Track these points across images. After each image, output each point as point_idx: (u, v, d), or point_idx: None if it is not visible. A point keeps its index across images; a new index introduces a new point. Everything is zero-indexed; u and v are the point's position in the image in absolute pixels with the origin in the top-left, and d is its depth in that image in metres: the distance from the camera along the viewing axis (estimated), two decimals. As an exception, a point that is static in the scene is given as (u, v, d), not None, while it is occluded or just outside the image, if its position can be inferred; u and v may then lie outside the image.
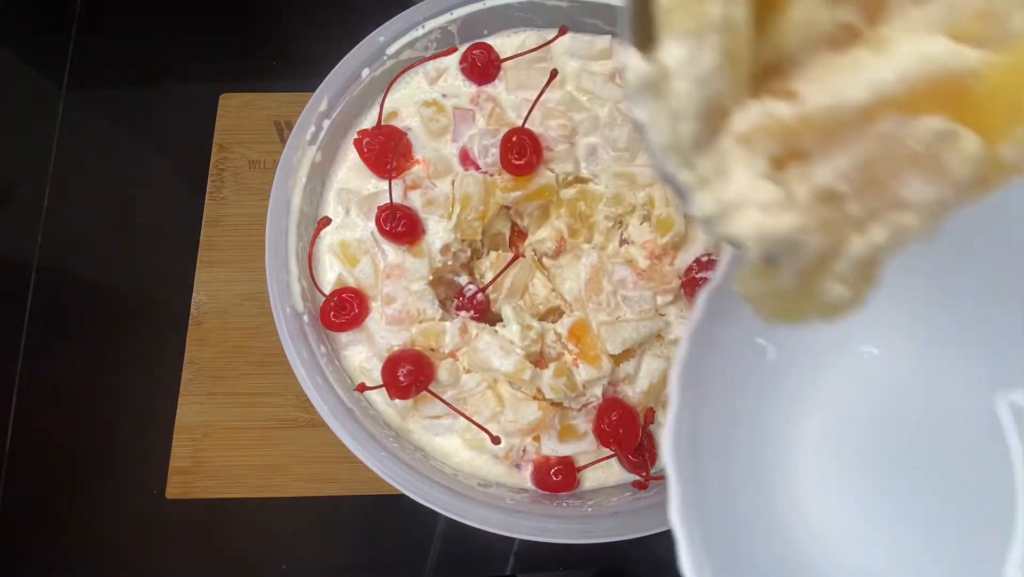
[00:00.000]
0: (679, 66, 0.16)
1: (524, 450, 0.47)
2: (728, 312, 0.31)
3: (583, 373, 0.46)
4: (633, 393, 0.47)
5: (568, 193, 0.50)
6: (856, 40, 0.16)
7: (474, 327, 0.48)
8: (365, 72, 0.51)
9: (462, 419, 0.46)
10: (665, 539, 0.31)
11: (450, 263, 0.51)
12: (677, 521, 0.28)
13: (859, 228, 0.16)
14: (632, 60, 0.17)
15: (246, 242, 0.61)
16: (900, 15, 0.16)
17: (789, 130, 0.16)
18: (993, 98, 0.14)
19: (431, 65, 0.54)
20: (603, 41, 0.53)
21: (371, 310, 0.49)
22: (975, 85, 0.14)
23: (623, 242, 0.50)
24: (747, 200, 0.16)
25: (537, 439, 0.47)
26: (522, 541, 0.54)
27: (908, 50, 0.15)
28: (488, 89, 0.53)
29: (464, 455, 0.48)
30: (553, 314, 0.50)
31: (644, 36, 0.17)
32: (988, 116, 0.14)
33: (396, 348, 0.48)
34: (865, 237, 0.16)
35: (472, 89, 0.53)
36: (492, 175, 0.50)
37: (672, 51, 0.16)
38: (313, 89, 0.50)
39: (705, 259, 0.48)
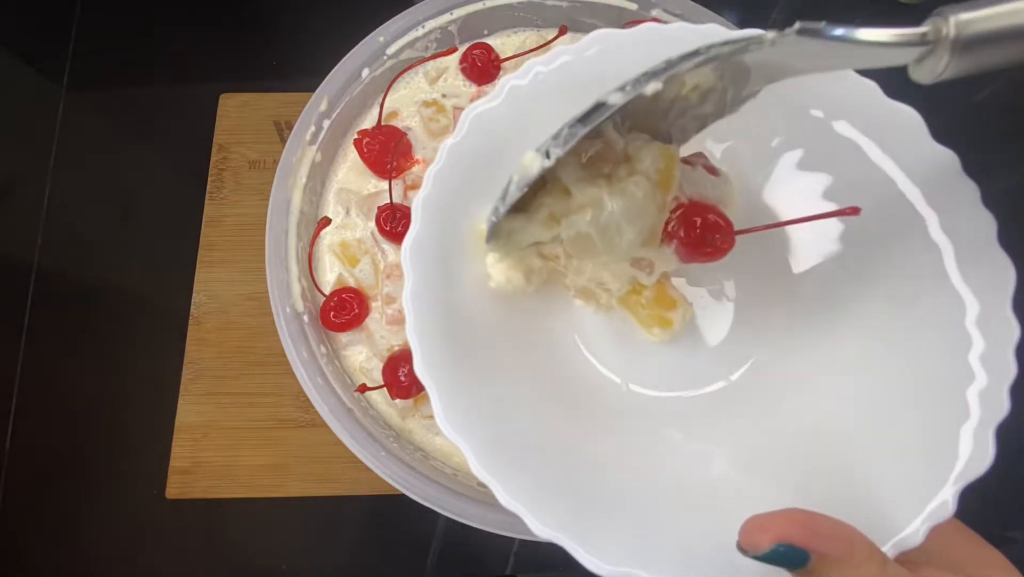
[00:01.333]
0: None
1: (524, 450, 0.47)
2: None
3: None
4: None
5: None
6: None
7: (474, 327, 0.48)
8: (365, 72, 0.51)
9: (462, 419, 0.46)
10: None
11: (450, 263, 0.51)
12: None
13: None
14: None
15: (246, 242, 0.61)
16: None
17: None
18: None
19: (431, 65, 0.54)
20: (603, 41, 0.53)
21: (371, 310, 0.49)
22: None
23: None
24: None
25: (537, 439, 0.47)
26: (522, 541, 0.54)
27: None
28: (488, 89, 0.53)
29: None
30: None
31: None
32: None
33: (396, 348, 0.48)
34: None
35: (472, 89, 0.53)
36: (492, 175, 0.50)
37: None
38: (313, 89, 0.50)
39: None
